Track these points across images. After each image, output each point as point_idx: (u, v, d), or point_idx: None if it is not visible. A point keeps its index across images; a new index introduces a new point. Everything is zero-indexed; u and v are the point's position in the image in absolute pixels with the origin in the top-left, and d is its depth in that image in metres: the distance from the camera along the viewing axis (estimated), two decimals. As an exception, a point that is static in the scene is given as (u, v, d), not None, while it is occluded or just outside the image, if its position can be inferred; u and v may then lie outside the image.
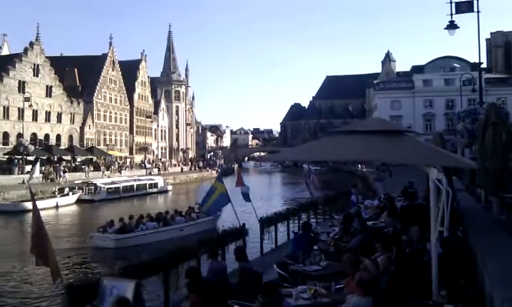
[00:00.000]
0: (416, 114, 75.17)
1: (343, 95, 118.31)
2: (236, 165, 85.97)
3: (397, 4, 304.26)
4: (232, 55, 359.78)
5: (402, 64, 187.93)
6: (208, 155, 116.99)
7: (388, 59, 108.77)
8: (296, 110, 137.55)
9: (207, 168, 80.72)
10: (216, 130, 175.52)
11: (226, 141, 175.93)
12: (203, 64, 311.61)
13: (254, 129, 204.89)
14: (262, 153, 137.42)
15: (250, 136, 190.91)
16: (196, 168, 79.32)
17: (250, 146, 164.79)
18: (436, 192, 5.72)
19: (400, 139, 6.08)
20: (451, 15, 16.59)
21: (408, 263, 6.64)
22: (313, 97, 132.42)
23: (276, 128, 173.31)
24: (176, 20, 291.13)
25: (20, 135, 49.68)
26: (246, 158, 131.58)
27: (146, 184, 46.54)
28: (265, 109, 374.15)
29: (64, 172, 46.91)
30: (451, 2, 16.46)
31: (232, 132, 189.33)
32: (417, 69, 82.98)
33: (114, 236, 19.73)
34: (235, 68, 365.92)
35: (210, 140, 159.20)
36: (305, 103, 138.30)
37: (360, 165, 63.56)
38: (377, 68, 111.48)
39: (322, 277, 7.31)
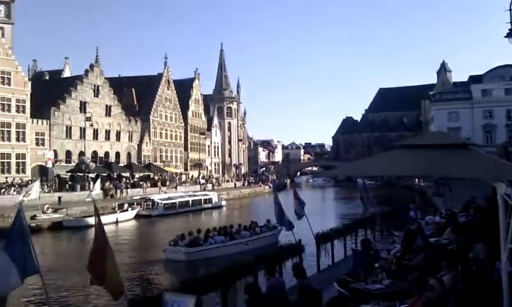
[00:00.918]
0: (475, 125, 72.14)
1: (397, 107, 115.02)
2: (288, 180, 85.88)
3: (452, 13, 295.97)
4: (281, 69, 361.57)
5: (459, 74, 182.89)
6: (260, 170, 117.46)
7: (443, 69, 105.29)
8: (348, 124, 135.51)
9: (260, 183, 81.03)
10: (267, 145, 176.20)
11: (278, 156, 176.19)
12: (253, 79, 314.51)
13: (306, 143, 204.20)
14: (314, 168, 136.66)
15: (302, 151, 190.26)
16: (247, 183, 79.82)
17: (302, 161, 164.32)
18: (504, 208, 5.50)
19: (465, 153, 5.91)
20: (511, 22, 15.99)
21: (476, 282, 6.37)
22: (365, 110, 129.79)
23: (328, 142, 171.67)
24: (227, 35, 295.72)
25: (81, 153, 52.02)
26: (298, 173, 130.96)
27: (201, 200, 47.38)
28: (316, 123, 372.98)
29: (126, 188, 48.82)
30: (511, 10, 15.89)
31: (284, 147, 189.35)
32: (475, 79, 79.99)
33: (185, 249, 20.56)
34: (286, 83, 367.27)
35: (262, 155, 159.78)
36: (357, 117, 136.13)
37: (416, 180, 61.67)
38: (433, 79, 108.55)
39: (386, 297, 7.12)
